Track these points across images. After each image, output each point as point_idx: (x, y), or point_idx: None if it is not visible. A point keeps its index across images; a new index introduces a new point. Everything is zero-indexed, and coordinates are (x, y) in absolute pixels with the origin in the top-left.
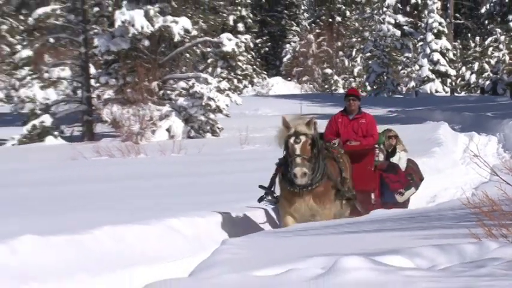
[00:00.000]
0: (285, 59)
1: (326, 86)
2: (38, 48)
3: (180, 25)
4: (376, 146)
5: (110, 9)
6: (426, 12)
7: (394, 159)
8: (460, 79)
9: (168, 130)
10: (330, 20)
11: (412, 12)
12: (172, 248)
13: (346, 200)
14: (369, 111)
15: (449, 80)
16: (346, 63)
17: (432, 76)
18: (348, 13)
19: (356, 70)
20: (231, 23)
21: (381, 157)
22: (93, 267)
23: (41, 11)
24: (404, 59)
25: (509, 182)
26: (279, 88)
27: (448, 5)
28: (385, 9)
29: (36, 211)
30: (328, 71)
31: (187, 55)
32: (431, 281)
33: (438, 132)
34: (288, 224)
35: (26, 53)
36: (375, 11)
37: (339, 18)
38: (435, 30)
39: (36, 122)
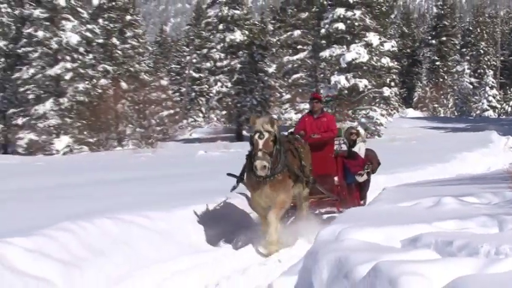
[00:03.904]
0: (414, 99)
1: (434, 112)
2: (293, 94)
3: (362, 83)
4: (337, 138)
5: (328, 74)
6: (485, 76)
7: (355, 149)
8: (502, 109)
9: None
10: (437, 80)
11: (478, 76)
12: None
13: (305, 183)
14: (455, 125)
15: (497, 110)
16: (445, 101)
17: (488, 108)
18: (445, 77)
19: (450, 105)
20: (388, 81)
21: (344, 147)
22: None
23: (295, 76)
24: (474, 99)
25: None
26: (411, 113)
27: (497, 72)
28: (464, 75)
29: None
30: (436, 105)
31: (366, 97)
32: (487, 209)
33: (491, 135)
34: (258, 212)
35: (287, 97)
36: (460, 76)
37: (441, 80)
38: (490, 85)
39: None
